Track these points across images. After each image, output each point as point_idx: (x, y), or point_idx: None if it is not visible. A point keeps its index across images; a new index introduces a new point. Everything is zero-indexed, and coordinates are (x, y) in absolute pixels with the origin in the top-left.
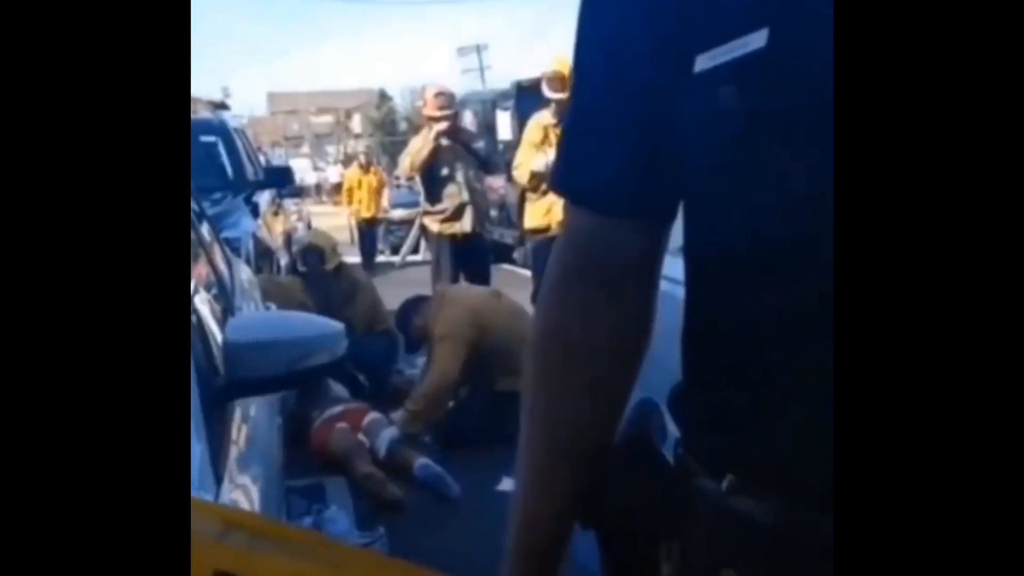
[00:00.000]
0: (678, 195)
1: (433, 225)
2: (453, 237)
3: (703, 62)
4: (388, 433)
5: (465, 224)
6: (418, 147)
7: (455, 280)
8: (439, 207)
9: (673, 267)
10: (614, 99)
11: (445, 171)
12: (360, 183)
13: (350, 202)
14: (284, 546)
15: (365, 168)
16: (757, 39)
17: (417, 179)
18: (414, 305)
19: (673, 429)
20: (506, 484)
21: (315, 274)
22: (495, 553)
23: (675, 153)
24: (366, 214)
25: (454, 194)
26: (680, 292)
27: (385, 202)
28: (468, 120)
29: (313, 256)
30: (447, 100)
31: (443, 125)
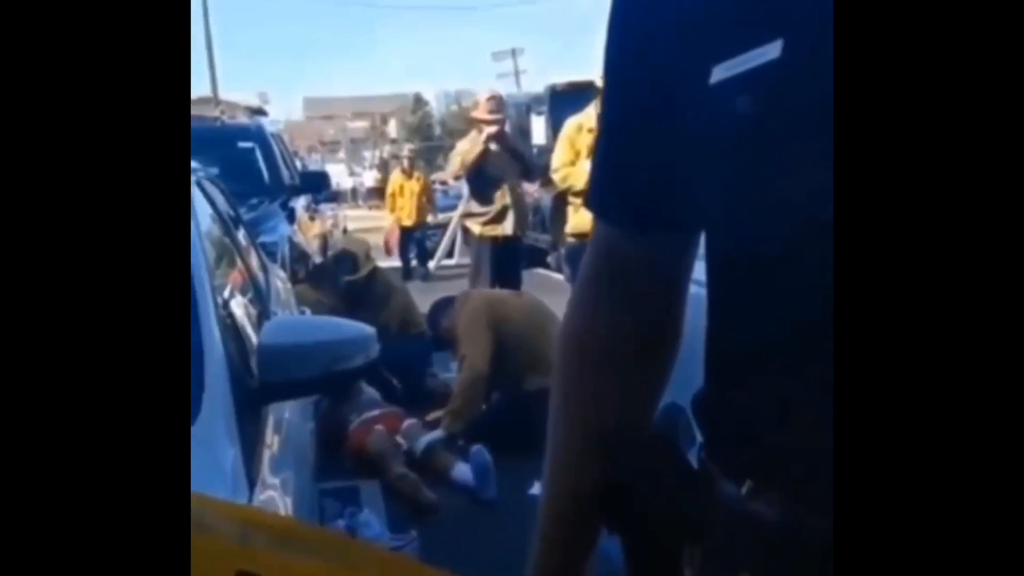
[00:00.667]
0: (702, 206)
1: (475, 227)
2: (494, 239)
3: (719, 73)
4: (427, 437)
5: (507, 227)
6: (467, 148)
7: (495, 282)
8: (483, 209)
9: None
10: (638, 115)
11: (491, 174)
12: (403, 188)
13: (393, 209)
14: (306, 547)
15: (408, 173)
16: (772, 50)
17: (459, 182)
18: (441, 306)
19: (698, 434)
20: (537, 488)
21: (349, 279)
22: (526, 556)
23: (697, 165)
24: (408, 221)
25: (498, 197)
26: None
27: (432, 205)
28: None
29: (346, 262)
30: (498, 104)
31: (494, 128)
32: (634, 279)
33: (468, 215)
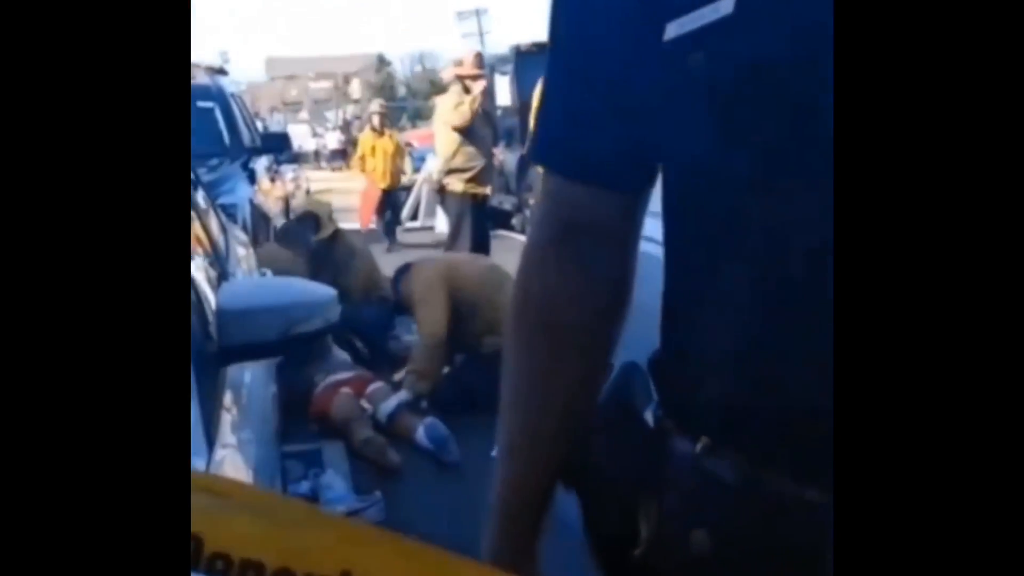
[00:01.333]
0: (655, 162)
1: (458, 185)
2: (475, 197)
3: (673, 29)
4: (393, 399)
5: (487, 186)
6: (456, 101)
7: (475, 243)
8: (469, 165)
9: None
10: (589, 69)
11: (477, 131)
12: (374, 149)
13: (363, 170)
14: (246, 507)
15: (379, 131)
16: (725, 5)
17: (423, 144)
18: (404, 271)
19: (654, 392)
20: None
21: (311, 241)
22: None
23: (650, 121)
24: (383, 184)
25: (477, 155)
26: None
27: (407, 167)
28: None
29: (309, 223)
30: (482, 62)
31: (483, 83)
32: (585, 238)
33: (451, 171)
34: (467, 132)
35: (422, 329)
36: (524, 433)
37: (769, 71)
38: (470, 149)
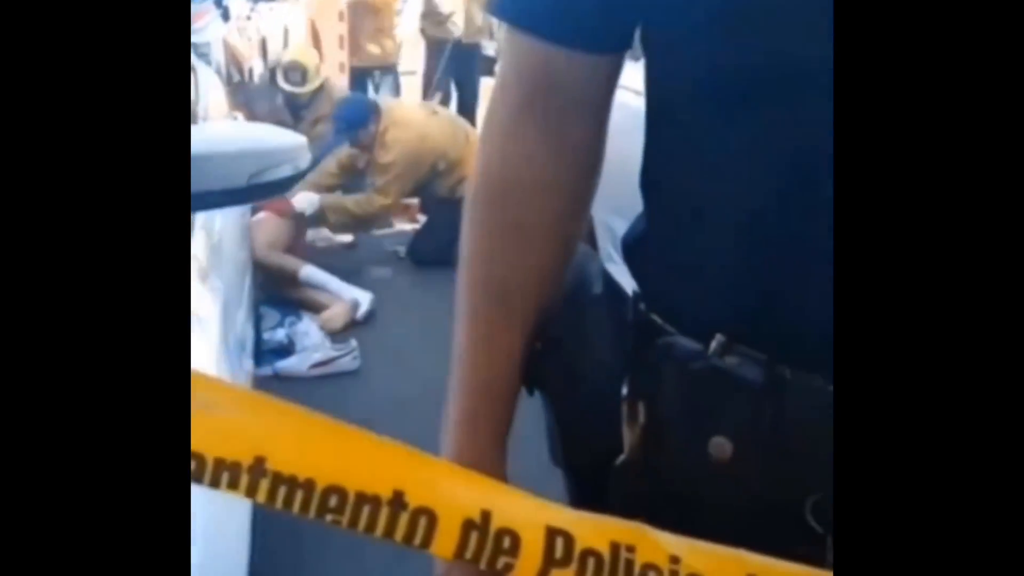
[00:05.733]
0: (632, 24)
1: (429, 29)
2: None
3: None
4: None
5: (459, 28)
6: None
7: (463, 90)
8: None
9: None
10: None
11: None
12: None
13: None
14: (295, 428)
15: None
16: None
17: None
18: (366, 108)
19: (631, 281)
20: None
21: (292, 91)
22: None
23: None
24: None
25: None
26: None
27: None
28: None
29: (295, 74)
30: None
31: None
32: (555, 105)
33: (426, 15)
34: None
35: (377, 190)
36: (483, 316)
37: None
38: None
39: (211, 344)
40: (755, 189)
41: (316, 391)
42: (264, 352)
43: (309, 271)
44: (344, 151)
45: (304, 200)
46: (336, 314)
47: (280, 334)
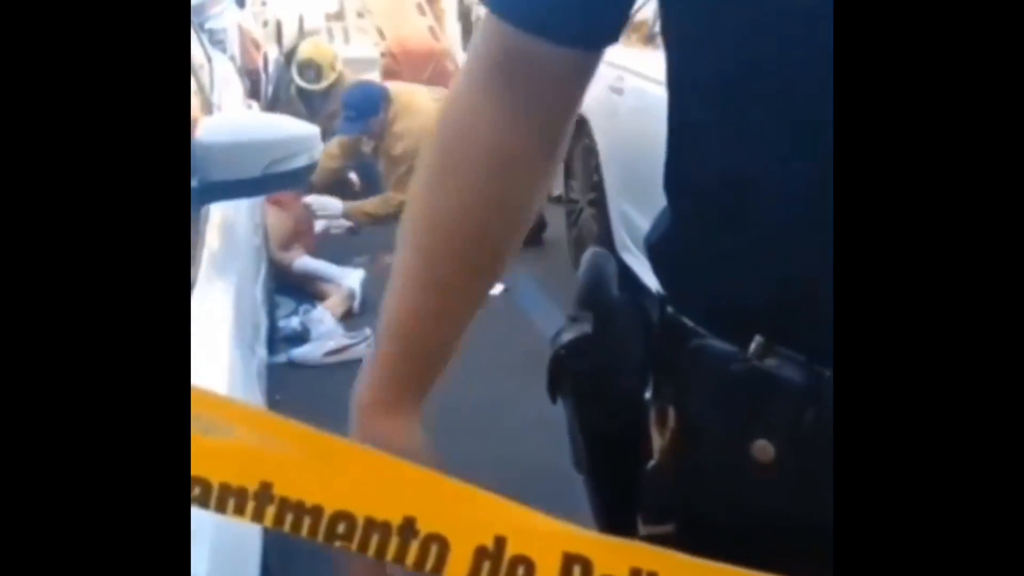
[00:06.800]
0: (613, 23)
1: None
2: None
3: None
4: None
5: None
6: None
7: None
8: None
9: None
10: None
11: None
12: None
13: None
14: (301, 450)
15: None
16: None
17: None
18: (376, 96)
19: (654, 279)
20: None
21: (306, 88)
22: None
23: None
24: None
25: None
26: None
27: None
28: None
29: (310, 72)
30: None
31: None
32: (524, 94)
33: None
34: None
35: (390, 187)
36: (423, 252)
37: None
38: None
39: (225, 333)
40: (789, 189)
41: (329, 378)
42: (278, 340)
43: (302, 262)
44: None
45: (325, 206)
46: (333, 304)
47: (294, 322)
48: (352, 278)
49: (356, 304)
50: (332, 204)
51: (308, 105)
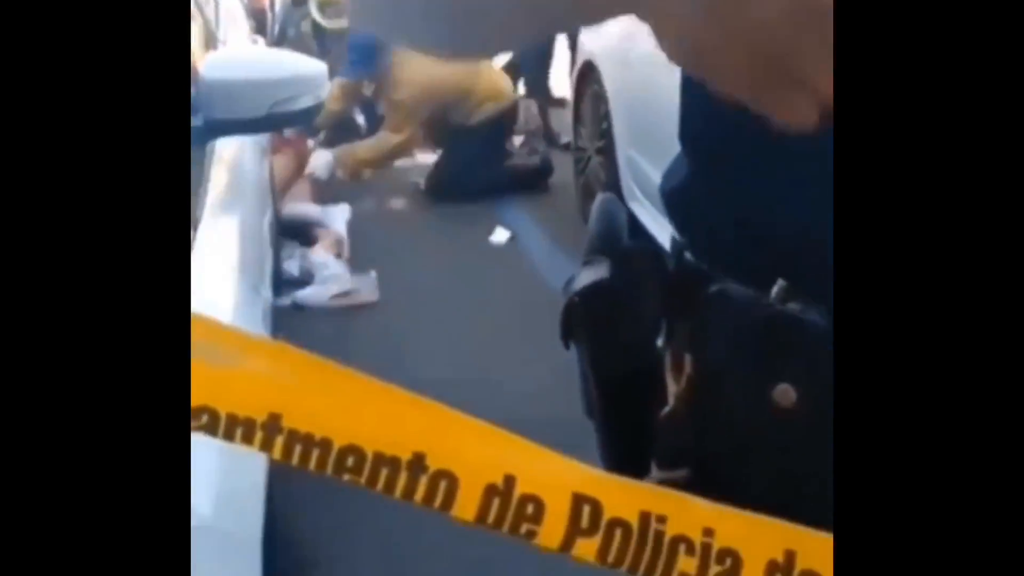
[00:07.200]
0: None
1: None
2: None
3: None
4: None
5: None
6: None
7: None
8: None
9: None
10: None
11: None
12: None
13: None
14: (309, 382)
15: None
16: None
17: None
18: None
19: (671, 226)
20: (499, 234)
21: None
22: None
23: None
24: None
25: None
26: None
27: None
28: None
29: (331, 8)
30: None
31: None
32: None
33: None
34: None
35: (387, 130)
36: None
37: None
38: None
39: (230, 273)
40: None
41: (334, 322)
42: (284, 282)
43: (289, 208)
44: None
45: (318, 162)
46: (322, 250)
47: (293, 265)
48: (338, 220)
49: (345, 250)
50: (324, 158)
51: (320, 44)
